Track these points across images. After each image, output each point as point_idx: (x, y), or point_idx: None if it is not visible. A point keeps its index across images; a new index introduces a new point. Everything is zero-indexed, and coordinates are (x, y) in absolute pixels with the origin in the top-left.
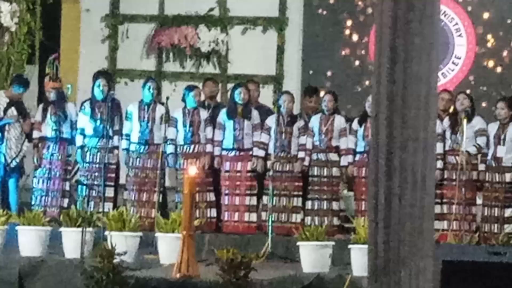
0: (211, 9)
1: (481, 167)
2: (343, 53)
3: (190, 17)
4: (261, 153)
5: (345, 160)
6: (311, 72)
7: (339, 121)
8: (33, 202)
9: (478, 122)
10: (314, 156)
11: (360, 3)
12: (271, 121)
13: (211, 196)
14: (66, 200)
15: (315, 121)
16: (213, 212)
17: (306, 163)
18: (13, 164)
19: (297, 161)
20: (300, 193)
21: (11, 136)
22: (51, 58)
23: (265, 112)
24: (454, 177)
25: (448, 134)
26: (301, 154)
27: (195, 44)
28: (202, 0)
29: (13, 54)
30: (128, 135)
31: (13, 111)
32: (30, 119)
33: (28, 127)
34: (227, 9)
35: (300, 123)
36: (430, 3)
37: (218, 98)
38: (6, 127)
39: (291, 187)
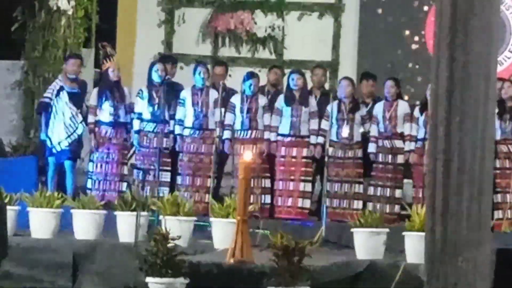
0: None
1: None
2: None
3: (246, 2)
4: (320, 139)
5: (409, 146)
6: (367, 58)
7: (403, 107)
8: (90, 186)
9: None
10: (380, 143)
11: None
12: (330, 108)
13: (267, 183)
14: (124, 184)
15: (378, 108)
16: (268, 199)
17: (373, 150)
18: (60, 147)
19: (360, 148)
20: (361, 179)
21: (60, 118)
22: (100, 45)
23: (327, 99)
24: (507, 166)
25: (497, 123)
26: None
27: (251, 29)
28: None
29: (70, 38)
30: (181, 121)
31: (63, 93)
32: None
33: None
34: None
35: (362, 111)
36: None
37: None
38: (53, 109)
39: (353, 174)
